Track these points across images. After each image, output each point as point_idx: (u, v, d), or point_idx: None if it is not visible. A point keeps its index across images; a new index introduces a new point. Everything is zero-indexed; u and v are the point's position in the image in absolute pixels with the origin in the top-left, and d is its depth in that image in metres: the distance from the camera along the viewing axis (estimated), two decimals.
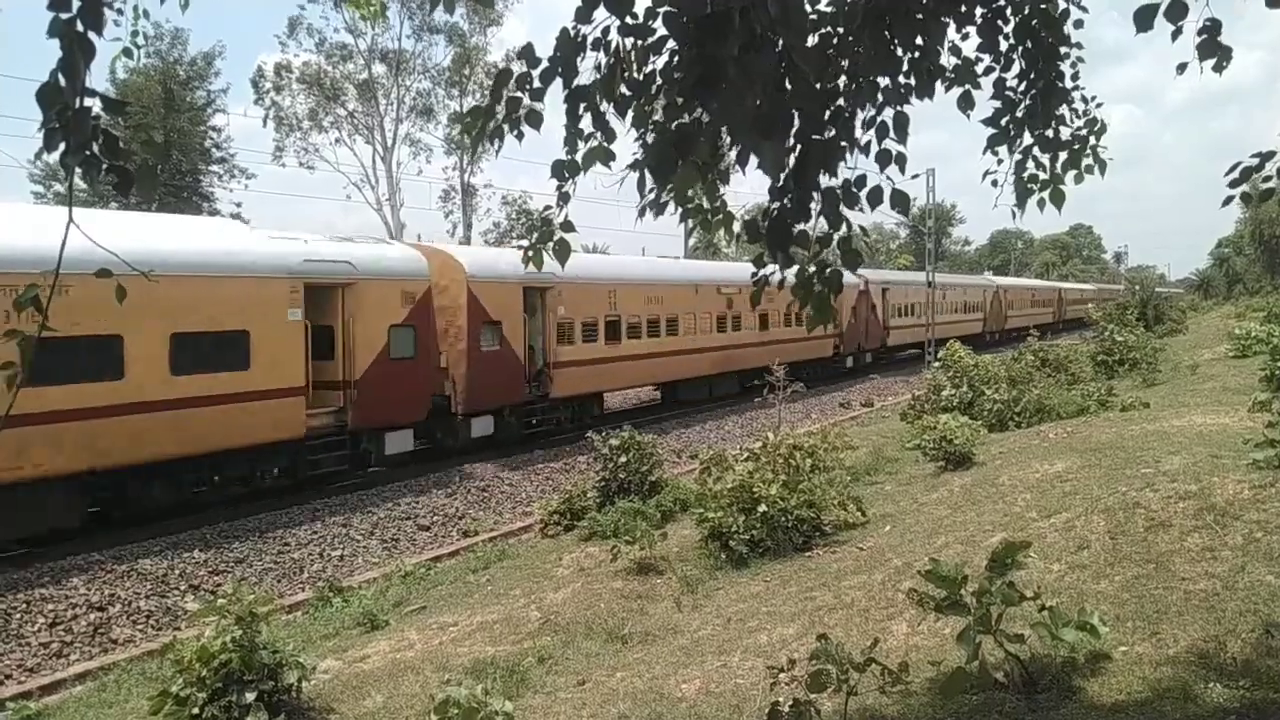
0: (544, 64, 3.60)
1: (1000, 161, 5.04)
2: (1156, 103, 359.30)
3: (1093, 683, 4.90)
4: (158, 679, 7.76)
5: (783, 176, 3.38)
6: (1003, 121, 4.83)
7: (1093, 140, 5.10)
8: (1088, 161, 5.11)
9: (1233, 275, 69.42)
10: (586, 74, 3.59)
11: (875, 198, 3.63)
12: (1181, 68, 4.02)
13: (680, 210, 4.08)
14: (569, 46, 3.52)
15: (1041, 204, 5.07)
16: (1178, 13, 3.59)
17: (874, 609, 6.92)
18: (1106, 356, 23.42)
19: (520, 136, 3.84)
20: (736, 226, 4.07)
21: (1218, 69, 3.84)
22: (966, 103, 4.70)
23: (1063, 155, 5.02)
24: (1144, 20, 3.62)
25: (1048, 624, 4.85)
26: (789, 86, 3.12)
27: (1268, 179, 4.33)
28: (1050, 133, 4.92)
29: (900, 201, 3.68)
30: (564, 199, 3.98)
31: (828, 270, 3.75)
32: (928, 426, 12.79)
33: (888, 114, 3.90)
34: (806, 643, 5.93)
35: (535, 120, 3.80)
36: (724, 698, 5.85)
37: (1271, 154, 4.25)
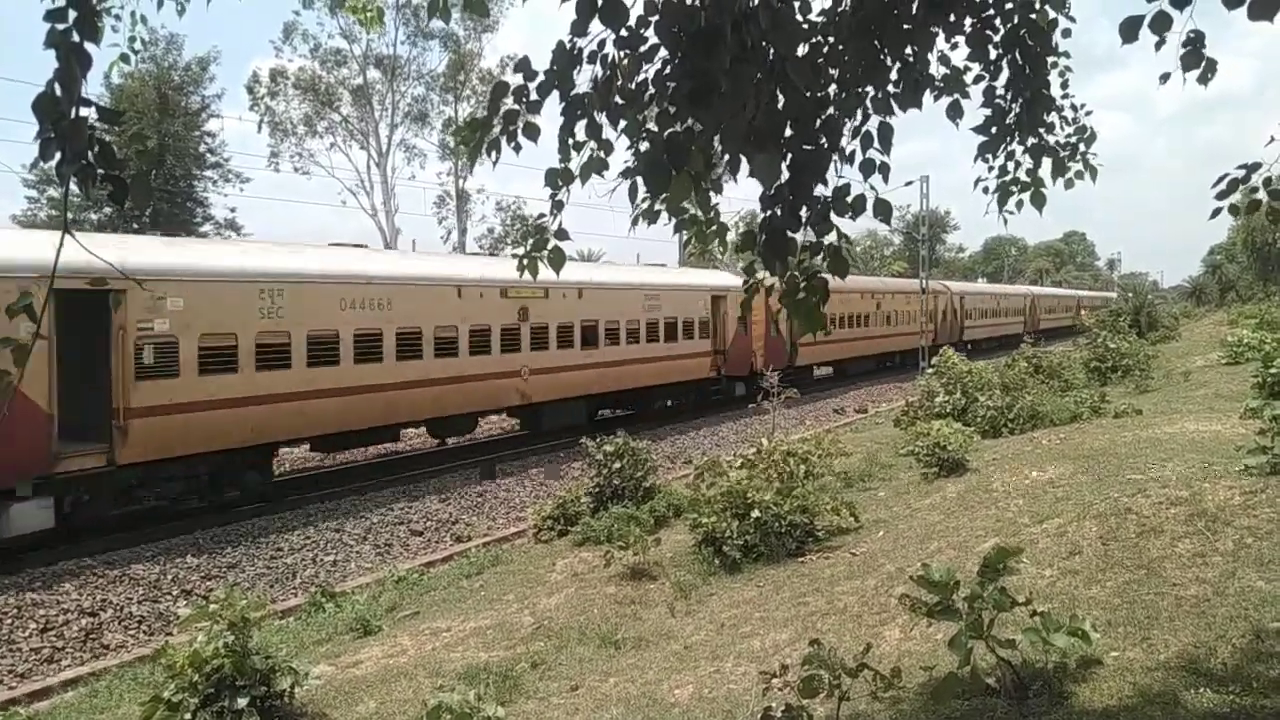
0: (540, 77, 3.62)
1: (991, 169, 5.10)
2: (1150, 110, 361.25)
3: (1083, 688, 4.91)
4: (150, 684, 7.73)
5: (775, 185, 3.41)
6: (993, 130, 4.87)
7: (1082, 148, 5.14)
8: (1078, 168, 5.15)
9: (1225, 282, 69.61)
10: (582, 87, 3.62)
11: (859, 206, 3.66)
12: (1164, 78, 4.07)
13: (675, 220, 4.10)
14: (565, 60, 3.55)
15: (1020, 205, 5.12)
16: (1162, 24, 3.63)
17: (867, 614, 6.94)
18: (1099, 363, 23.52)
19: (517, 149, 3.86)
20: (731, 236, 4.10)
21: (1202, 80, 3.89)
22: (956, 111, 4.74)
23: (1048, 161, 5.06)
24: (1129, 31, 3.66)
25: (1039, 629, 4.87)
26: (781, 97, 3.15)
27: (1254, 190, 4.37)
28: (1038, 140, 4.96)
29: (882, 210, 3.71)
30: (558, 207, 4.00)
31: (814, 277, 3.77)
32: (921, 433, 12.83)
33: (872, 123, 3.93)
34: (799, 648, 5.95)
35: (533, 133, 3.82)
36: (717, 703, 5.86)
37: (1257, 165, 4.28)
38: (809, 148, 3.51)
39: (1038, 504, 8.47)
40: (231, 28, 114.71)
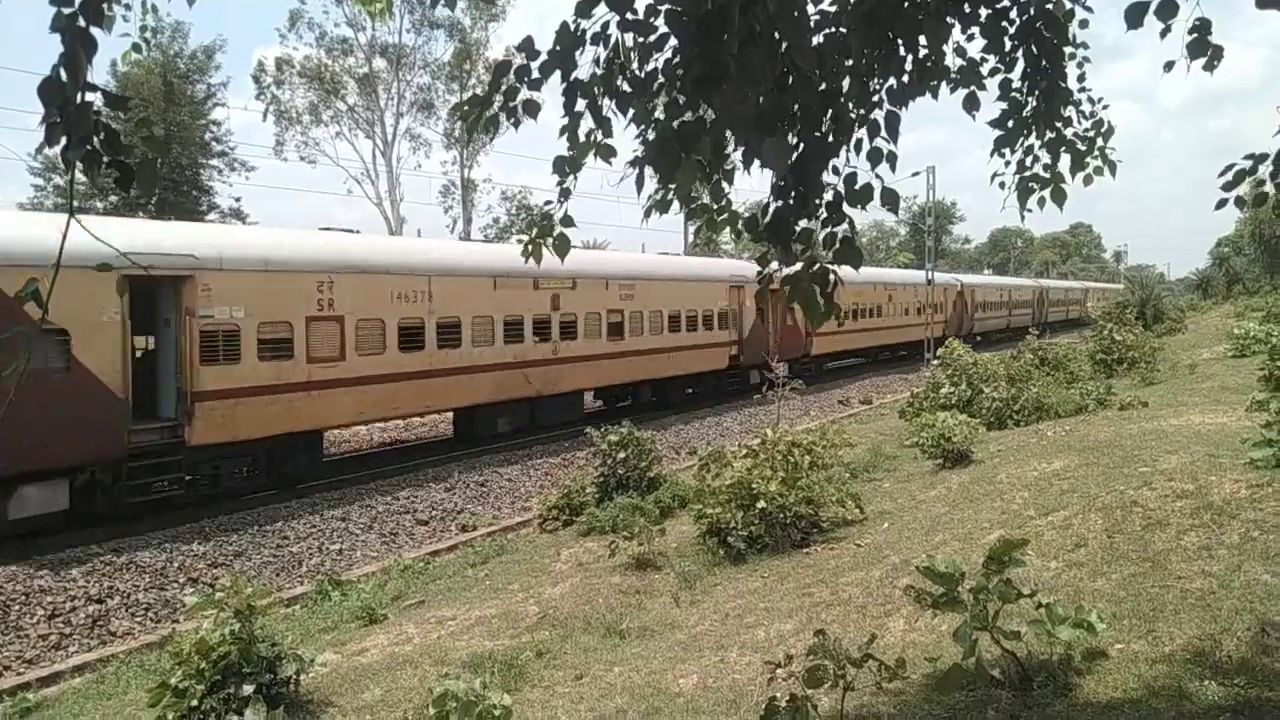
0: (543, 57, 3.61)
1: (1008, 163, 5.04)
2: (1156, 101, 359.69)
3: (1088, 680, 4.91)
4: (156, 671, 7.77)
5: (784, 174, 3.39)
6: (1009, 123, 4.82)
7: (1100, 142, 5.09)
8: (1096, 163, 5.10)
9: (1232, 275, 69.34)
10: (586, 68, 3.61)
11: (865, 195, 3.63)
12: (1169, 65, 4.03)
13: (685, 210, 4.10)
14: (568, 40, 3.53)
15: (1042, 202, 5.06)
16: (1168, 11, 3.59)
17: (871, 605, 6.94)
18: (1105, 355, 23.46)
19: (517, 125, 3.85)
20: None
21: (1208, 68, 3.85)
22: (972, 104, 4.69)
23: (1067, 156, 5.01)
24: (1134, 17, 3.63)
25: (1044, 621, 4.86)
26: (790, 83, 3.12)
27: (1260, 182, 4.32)
28: (1053, 134, 4.91)
29: (890, 199, 3.68)
30: (564, 194, 4.01)
31: (816, 266, 3.75)
32: (926, 424, 12.82)
33: (879, 113, 3.91)
34: (804, 638, 5.95)
35: (533, 110, 3.81)
36: (721, 693, 5.87)
37: (1264, 156, 4.23)
38: (816, 135, 3.49)
39: (1043, 496, 8.46)
40: (237, 16, 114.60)
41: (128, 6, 5.24)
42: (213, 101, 48.03)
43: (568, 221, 4.09)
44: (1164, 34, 3.73)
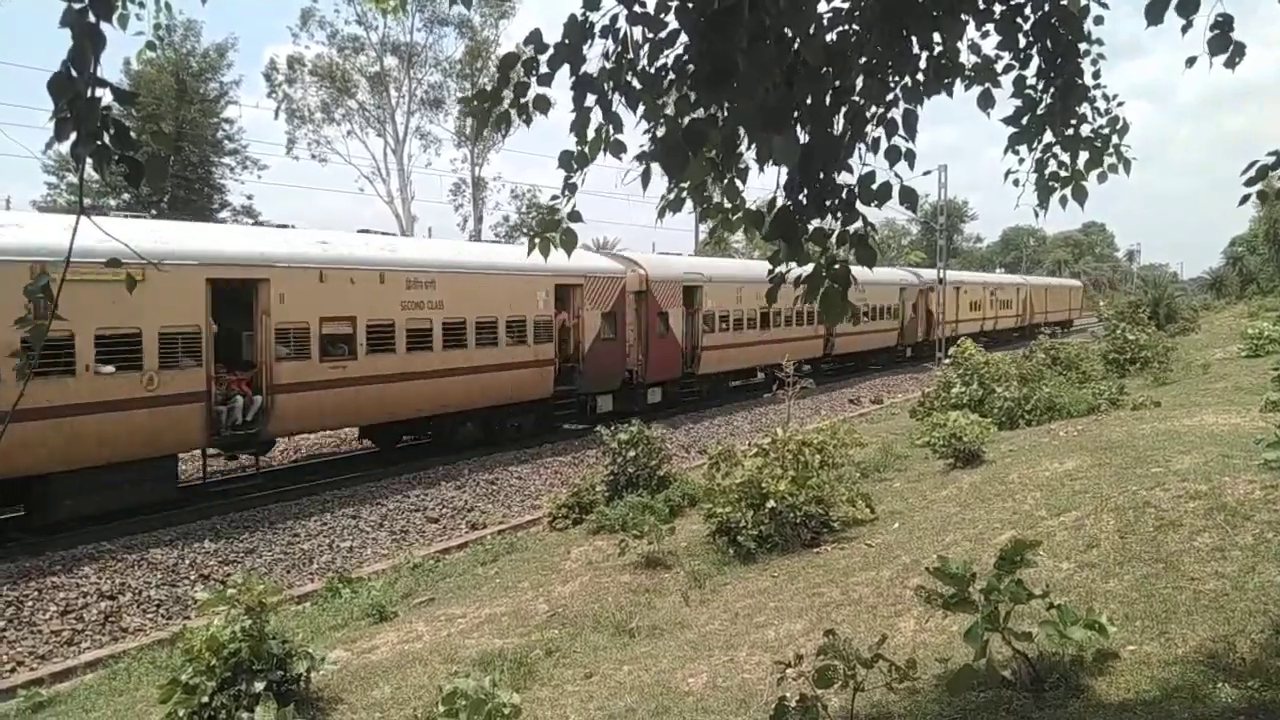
0: (551, 50, 3.58)
1: (1021, 160, 5.00)
2: (1170, 100, 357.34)
3: (1100, 681, 4.88)
4: (168, 668, 7.81)
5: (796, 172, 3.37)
6: (1023, 120, 4.79)
7: (1115, 139, 5.06)
8: (1111, 160, 5.06)
9: (1246, 274, 68.76)
10: (595, 62, 3.58)
11: (884, 194, 3.60)
12: (1190, 61, 3.98)
13: (700, 209, 4.07)
14: (576, 33, 3.51)
15: (1064, 201, 5.02)
16: (1189, 7, 3.56)
17: (882, 605, 6.91)
18: (1118, 355, 23.33)
19: (529, 122, 3.82)
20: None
21: (1230, 65, 3.81)
22: (987, 101, 4.65)
23: (1084, 154, 4.97)
24: (1155, 13, 3.60)
25: (1056, 622, 4.83)
26: (798, 79, 3.10)
27: None
28: (1071, 131, 4.87)
29: (908, 198, 3.65)
30: (571, 189, 3.97)
31: (836, 265, 3.72)
32: (937, 424, 12.76)
33: (897, 111, 3.87)
34: (814, 638, 5.94)
35: (543, 105, 3.78)
36: (731, 692, 5.85)
37: None
38: (825, 132, 3.46)
39: (1055, 496, 8.41)
40: (249, 15, 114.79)
41: (141, 4, 5.24)
42: (225, 100, 48.25)
43: (575, 217, 4.05)
44: (1185, 30, 3.69)
